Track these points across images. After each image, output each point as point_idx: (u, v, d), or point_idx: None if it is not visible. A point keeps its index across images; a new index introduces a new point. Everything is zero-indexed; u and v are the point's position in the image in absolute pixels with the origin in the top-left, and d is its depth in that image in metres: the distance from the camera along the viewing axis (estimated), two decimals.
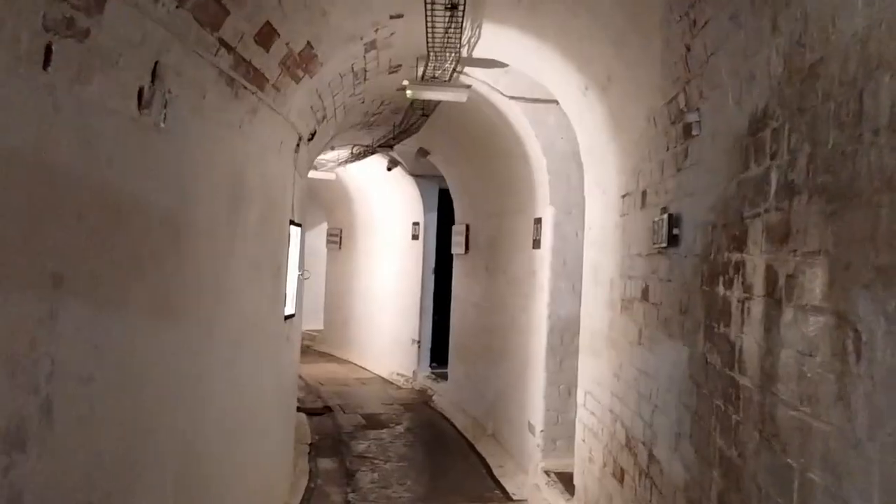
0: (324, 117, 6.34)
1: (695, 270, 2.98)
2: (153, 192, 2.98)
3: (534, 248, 7.17)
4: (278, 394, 5.55)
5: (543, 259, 6.87)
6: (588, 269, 5.38)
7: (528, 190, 7.33)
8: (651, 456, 3.55)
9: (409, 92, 6.00)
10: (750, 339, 2.24)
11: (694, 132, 2.94)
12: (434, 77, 5.89)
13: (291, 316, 5.91)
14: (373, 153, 11.00)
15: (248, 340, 4.42)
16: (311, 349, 15.42)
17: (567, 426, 6.62)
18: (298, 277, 6.02)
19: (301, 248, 7.40)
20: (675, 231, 3.27)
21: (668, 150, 3.52)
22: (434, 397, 10.69)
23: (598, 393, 4.88)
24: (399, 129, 8.70)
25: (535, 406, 6.86)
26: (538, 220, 7.04)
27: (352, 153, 11.40)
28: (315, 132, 6.25)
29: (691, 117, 2.92)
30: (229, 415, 4.08)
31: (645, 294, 3.94)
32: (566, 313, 6.74)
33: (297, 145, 5.72)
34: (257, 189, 4.45)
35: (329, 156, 12.40)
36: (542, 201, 6.92)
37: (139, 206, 2.88)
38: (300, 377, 12.15)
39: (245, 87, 3.89)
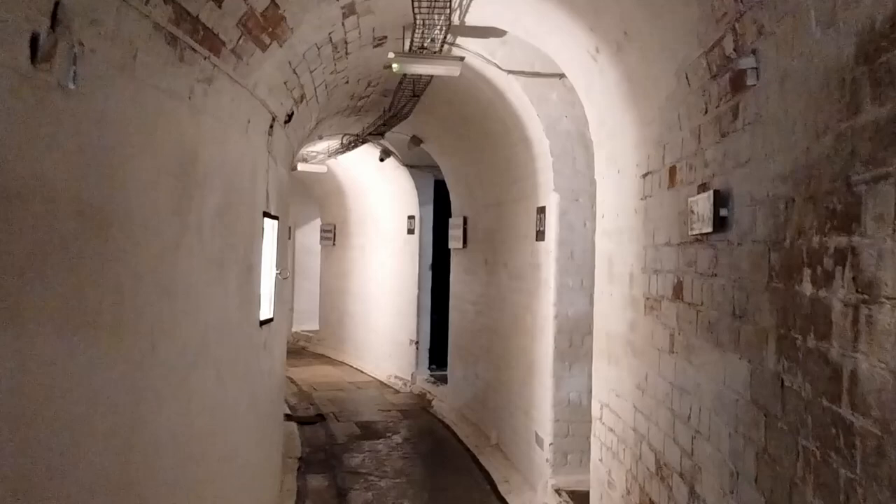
0: (302, 97, 5.67)
1: (756, 262, 2.33)
2: (63, 171, 2.32)
3: (537, 239, 6.51)
4: (254, 410, 4.90)
5: (548, 252, 6.21)
6: (601, 262, 4.72)
7: (530, 176, 6.67)
8: (693, 493, 2.90)
9: (394, 65, 5.33)
10: (872, 363, 1.57)
11: (749, 82, 2.29)
12: (423, 48, 5.23)
13: (269, 320, 5.25)
14: (363, 142, 10.34)
15: (210, 352, 3.77)
16: (306, 351, 14.80)
17: (579, 439, 5.97)
18: (277, 277, 5.36)
19: (284, 244, 6.75)
20: (723, 212, 2.62)
21: (706, 112, 2.86)
22: (433, 402, 10.04)
23: (618, 406, 4.23)
24: (389, 113, 8.04)
25: (543, 416, 6.21)
26: (541, 210, 6.39)
27: (342, 143, 10.74)
28: (293, 113, 5.59)
29: (745, 63, 2.27)
30: (184, 442, 3.43)
31: (678, 292, 3.28)
32: (575, 312, 6.08)
33: (271, 127, 5.06)
34: (216, 174, 3.79)
35: (319, 147, 11.76)
36: (546, 188, 6.26)
37: (41, 190, 2.22)
38: (292, 382, 11.55)
39: (193, 50, 3.23)
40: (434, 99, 7.74)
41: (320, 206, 15.39)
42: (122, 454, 2.76)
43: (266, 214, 5.02)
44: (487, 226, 8.26)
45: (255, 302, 4.80)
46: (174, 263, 3.30)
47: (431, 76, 6.41)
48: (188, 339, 3.46)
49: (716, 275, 2.79)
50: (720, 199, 2.64)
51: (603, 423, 4.56)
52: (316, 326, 15.44)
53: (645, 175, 3.81)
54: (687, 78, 2.99)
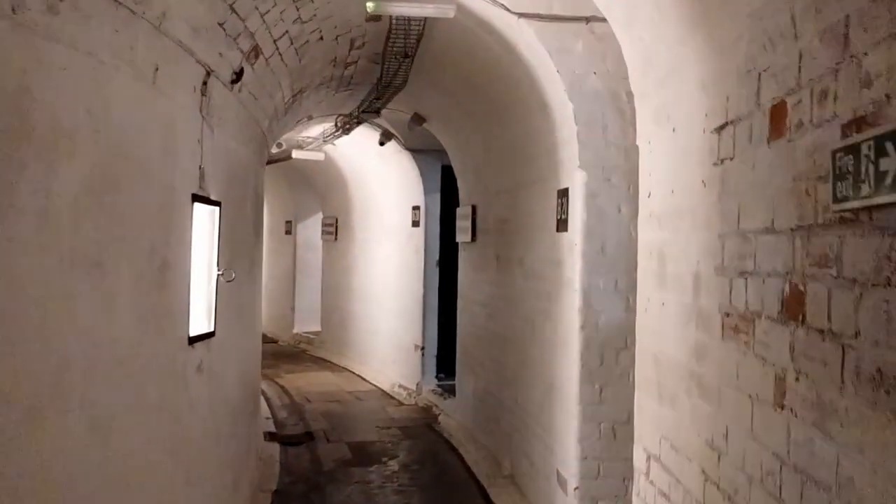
0: (255, 50, 4.43)
1: None
2: None
3: (558, 230, 5.23)
4: (180, 455, 3.68)
5: (572, 245, 4.93)
6: (647, 258, 3.43)
7: (549, 152, 5.38)
8: None
9: (370, 4, 4.07)
10: None
11: None
12: None
13: (209, 335, 4.03)
14: (358, 123, 9.09)
15: (74, 394, 2.54)
16: (306, 354, 13.65)
17: (613, 482, 4.70)
18: (219, 279, 4.13)
19: (246, 237, 5.51)
20: None
21: None
22: (440, 417, 8.79)
23: (674, 463, 2.95)
24: (382, 84, 6.78)
25: (567, 450, 4.93)
26: (563, 193, 5.10)
27: (336, 125, 9.51)
28: (242, 71, 4.35)
29: None
30: None
31: (793, 308, 2.01)
32: (608, 321, 4.80)
33: (205, 84, 3.82)
34: (85, 134, 2.56)
35: (313, 131, 10.55)
36: (569, 165, 4.98)
37: None
38: (284, 391, 10.36)
39: None
40: (432, 64, 6.47)
41: (322, 198, 14.19)
42: None
43: (199, 198, 3.79)
44: (499, 215, 6.99)
45: (180, 312, 3.57)
46: None
47: (422, 26, 5.14)
48: (21, 381, 2.24)
49: (892, 284, 1.51)
50: None
51: (651, 483, 3.28)
52: (318, 327, 14.26)
53: (721, 128, 2.53)
54: None
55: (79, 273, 2.54)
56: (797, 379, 2.01)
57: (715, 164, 2.58)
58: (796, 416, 2.02)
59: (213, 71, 3.85)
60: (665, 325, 3.14)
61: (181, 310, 3.60)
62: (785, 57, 2.05)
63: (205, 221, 4.00)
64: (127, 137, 2.90)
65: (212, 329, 4.08)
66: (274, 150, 11.56)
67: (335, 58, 6.14)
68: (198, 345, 3.87)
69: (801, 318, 1.99)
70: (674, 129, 3.04)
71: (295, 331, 14.81)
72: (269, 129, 6.39)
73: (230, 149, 4.65)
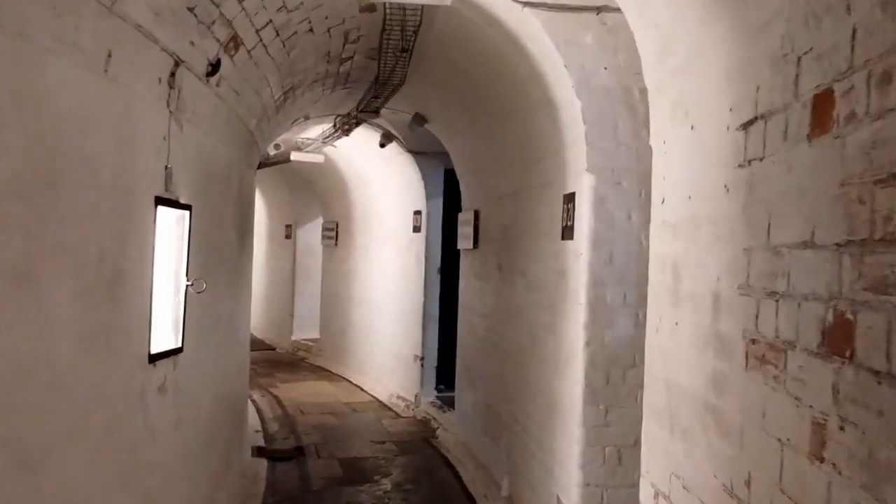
0: (234, 41, 4.09)
1: None
2: None
3: (563, 238, 4.86)
4: (141, 494, 3.32)
5: (578, 255, 4.56)
6: (659, 271, 3.06)
7: (555, 153, 5.02)
8: None
9: None
10: None
11: None
12: None
13: (175, 351, 3.68)
14: (357, 124, 8.76)
15: None
16: (304, 363, 13.30)
17: None
18: (188, 290, 3.78)
19: (227, 247, 5.17)
20: None
21: None
22: (438, 432, 8.42)
23: None
24: (379, 81, 6.44)
25: (568, 475, 4.56)
26: (569, 198, 4.74)
27: (335, 126, 9.18)
28: (219, 63, 4.00)
29: None
30: None
31: (838, 340, 1.64)
32: (615, 338, 4.42)
33: (173, 75, 3.48)
34: (9, 122, 2.22)
35: (311, 133, 10.22)
36: (576, 167, 4.61)
37: None
38: (278, 402, 10.00)
39: None
40: (432, 61, 6.12)
41: (322, 202, 13.86)
42: None
43: (165, 201, 3.44)
44: (502, 221, 6.62)
45: (138, 328, 3.23)
46: None
47: (418, 17, 4.79)
48: None
49: None
50: None
51: None
52: (317, 334, 13.91)
53: (749, 123, 2.16)
54: None
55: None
56: (842, 428, 1.64)
57: (741, 166, 2.21)
58: (840, 473, 1.65)
59: (182, 61, 3.51)
60: (679, 347, 2.76)
61: (139, 325, 3.25)
62: (833, 35, 1.68)
63: (172, 227, 3.66)
64: (69, 131, 2.56)
65: (178, 345, 3.73)
66: (272, 151, 11.25)
67: (328, 53, 5.79)
68: (161, 363, 3.51)
69: (848, 353, 1.61)
70: (692, 127, 2.67)
71: (294, 338, 14.47)
72: (257, 129, 6.05)
73: (206, 148, 4.31)
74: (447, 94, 6.87)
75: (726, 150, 2.33)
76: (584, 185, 4.48)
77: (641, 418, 4.38)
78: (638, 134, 4.40)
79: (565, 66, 4.34)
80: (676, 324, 2.80)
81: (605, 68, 4.37)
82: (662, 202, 3.03)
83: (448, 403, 8.83)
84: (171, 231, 3.65)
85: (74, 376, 2.65)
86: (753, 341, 2.08)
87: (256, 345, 15.26)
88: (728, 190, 2.30)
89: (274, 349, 14.78)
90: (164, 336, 3.57)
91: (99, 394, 2.87)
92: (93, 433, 2.81)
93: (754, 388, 2.07)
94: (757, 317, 2.05)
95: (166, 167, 3.51)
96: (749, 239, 2.13)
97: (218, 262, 4.72)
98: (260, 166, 12.98)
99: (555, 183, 5.08)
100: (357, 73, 6.75)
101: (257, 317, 16.41)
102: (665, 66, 2.92)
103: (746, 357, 2.11)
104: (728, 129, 2.31)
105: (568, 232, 4.78)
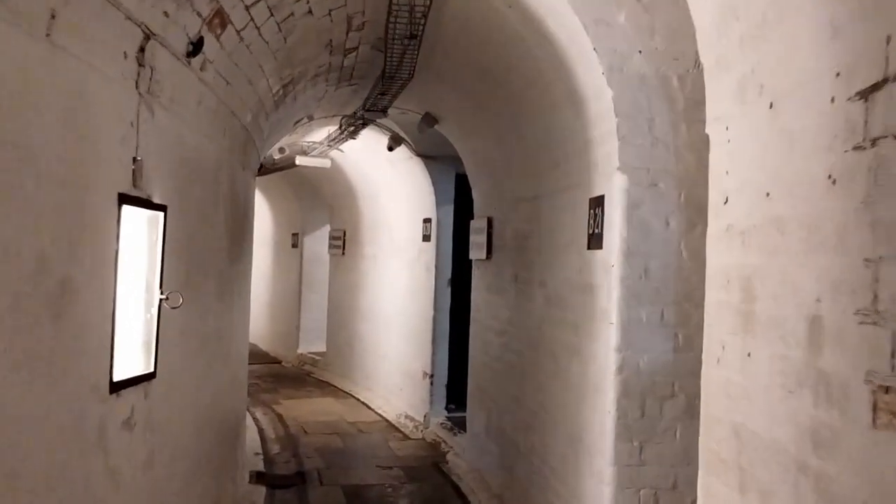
0: (219, 17, 3.57)
1: None
2: None
3: (590, 247, 4.31)
4: None
5: (608, 267, 4.01)
6: (722, 289, 2.50)
7: (580, 152, 4.47)
8: None
9: None
10: None
11: None
12: None
13: (145, 377, 3.14)
14: (364, 124, 8.26)
15: None
16: (309, 378, 12.75)
17: None
18: (161, 305, 3.24)
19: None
20: None
21: None
22: (448, 456, 7.84)
23: None
24: (386, 76, 5.92)
25: None
26: (597, 202, 4.19)
27: (341, 127, 8.68)
28: (201, 42, 3.48)
29: None
30: None
31: None
32: (651, 363, 3.86)
33: (142, 50, 2.96)
34: None
35: (317, 135, 9.72)
36: (605, 167, 4.06)
37: None
38: (280, 421, 9.45)
39: None
40: (443, 53, 5.60)
41: (330, 210, 13.35)
42: None
43: (131, 200, 2.92)
44: (518, 229, 6.07)
45: (95, 349, 2.69)
46: None
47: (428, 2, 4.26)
48: None
49: None
50: None
51: None
52: (324, 347, 13.38)
53: (871, 90, 1.60)
54: None
55: None
56: None
57: (856, 149, 1.66)
58: None
59: (153, 34, 2.98)
60: (753, 385, 2.20)
61: (96, 347, 2.71)
62: None
63: (142, 231, 3.13)
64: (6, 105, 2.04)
65: (150, 369, 3.19)
66: (276, 155, 10.77)
67: (331, 41, 5.28)
68: (127, 392, 2.97)
69: None
70: (771, 105, 2.12)
71: (300, 351, 13.94)
72: (254, 126, 5.54)
73: (189, 141, 3.79)
74: (459, 91, 6.35)
75: (829, 129, 1.77)
76: (614, 187, 3.93)
77: (681, 456, 3.81)
78: (677, 128, 3.85)
79: (594, 50, 3.80)
80: (749, 355, 2.23)
81: (640, 52, 3.82)
82: (725, 203, 2.47)
83: (459, 425, 8.26)
84: (140, 235, 3.12)
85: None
86: (885, 389, 1.51)
87: (261, 358, 14.75)
88: (835, 182, 1.74)
89: (279, 362, 14.26)
90: (132, 360, 3.03)
91: (37, 435, 2.33)
92: (27, 485, 2.27)
93: (887, 455, 1.51)
94: (893, 355, 1.49)
95: (135, 159, 2.98)
96: (874, 246, 1.57)
97: (204, 271, 4.19)
98: (266, 172, 12.55)
99: (580, 185, 4.53)
100: (363, 68, 6.24)
101: (263, 329, 15.90)
102: (730, 35, 2.37)
103: (874, 410, 1.55)
104: (833, 101, 1.76)
105: (595, 241, 4.23)
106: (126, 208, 2.88)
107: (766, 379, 2.13)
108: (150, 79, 3.08)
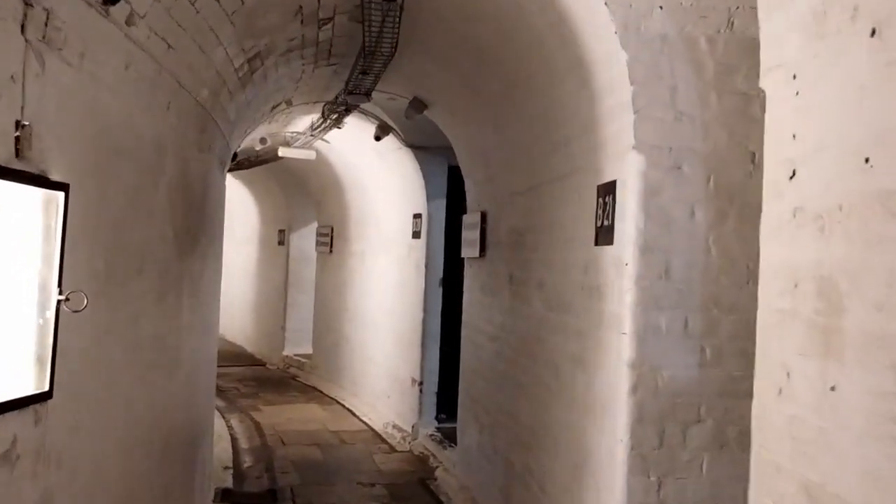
0: None
1: None
2: None
3: (598, 242, 3.66)
4: None
5: (620, 265, 3.35)
6: (785, 294, 1.84)
7: (586, 130, 3.82)
8: None
9: None
10: None
11: None
12: None
13: (35, 399, 2.48)
14: (348, 111, 7.60)
15: None
16: (294, 381, 12.11)
17: None
18: (58, 308, 2.58)
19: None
20: None
21: None
22: (437, 472, 7.20)
23: None
24: (367, 50, 5.26)
25: None
26: (607, 189, 3.53)
27: (323, 115, 8.02)
28: None
29: None
30: None
31: None
32: (673, 381, 3.21)
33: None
34: None
35: (299, 125, 9.07)
36: (617, 147, 3.41)
37: None
38: (258, 429, 8.79)
39: None
40: (429, 25, 4.95)
41: (317, 205, 12.69)
42: None
43: (10, 174, 2.26)
44: (514, 224, 5.42)
45: None
46: None
47: None
48: None
49: None
50: None
51: None
52: (310, 350, 12.72)
53: None
54: None
55: None
56: None
57: None
58: None
59: None
60: (838, 432, 1.55)
61: None
62: None
63: (34, 215, 2.47)
64: None
65: (45, 387, 2.53)
66: (258, 146, 10.12)
67: (301, 8, 4.62)
68: (6, 418, 2.32)
69: None
70: (873, 31, 1.46)
71: (285, 353, 13.27)
72: (215, 106, 4.87)
73: (113, 110, 3.12)
74: (449, 70, 5.69)
75: None
76: (629, 171, 3.28)
77: (708, 495, 3.16)
78: (705, 99, 3.20)
79: (605, 4, 3.15)
80: (832, 388, 1.58)
81: (661, 8, 3.17)
82: (791, 177, 1.81)
83: (449, 437, 7.61)
84: (32, 221, 2.46)
85: None
86: None
87: (245, 360, 14.09)
88: None
89: (264, 365, 13.62)
90: (14, 377, 2.37)
91: None
92: None
93: None
94: None
95: (19, 123, 2.32)
96: None
97: (137, 267, 3.53)
98: (250, 165, 11.88)
99: (585, 171, 3.87)
100: (341, 44, 5.58)
101: (248, 330, 15.24)
102: None
103: None
104: None
105: (605, 235, 3.57)
106: (3, 185, 2.22)
107: (860, 424, 1.48)
108: (46, 24, 2.41)
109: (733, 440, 3.21)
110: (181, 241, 4.40)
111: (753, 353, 3.22)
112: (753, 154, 3.21)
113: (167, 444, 4.31)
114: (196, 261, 4.95)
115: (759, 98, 3.21)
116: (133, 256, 3.46)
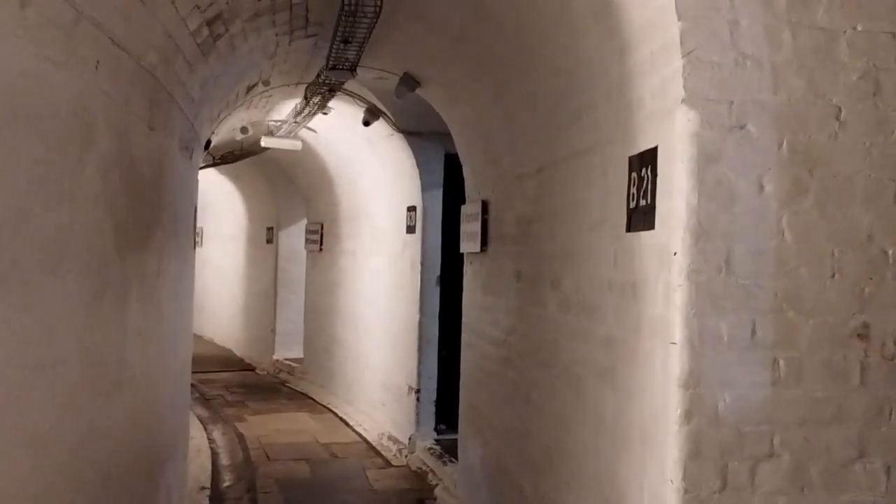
0: None
1: None
2: None
3: (631, 228, 2.93)
4: None
5: (664, 255, 2.63)
6: None
7: (613, 91, 3.09)
8: None
9: None
10: None
11: None
12: None
13: None
14: (332, 92, 6.87)
15: None
16: (284, 387, 11.40)
17: None
18: None
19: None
20: None
21: None
22: (437, 490, 6.47)
23: None
24: (347, 12, 4.53)
25: None
26: (643, 160, 2.81)
27: (306, 98, 7.29)
28: None
29: None
30: None
31: None
32: (738, 403, 2.48)
33: None
34: None
35: (282, 111, 8.33)
36: (657, 104, 2.68)
37: None
38: (240, 441, 8.07)
39: None
40: None
41: (306, 201, 11.96)
42: None
43: None
44: (522, 212, 4.69)
45: None
46: None
47: None
48: None
49: None
50: None
51: None
52: (302, 354, 12.00)
53: None
54: None
55: None
56: None
57: None
58: None
59: None
60: None
61: None
62: None
63: None
64: None
65: None
66: (238, 136, 9.38)
67: None
68: None
69: None
70: None
71: (275, 356, 12.55)
72: (168, 75, 4.13)
73: (4, 57, 2.38)
74: (443, 34, 4.96)
75: None
76: (677, 132, 2.55)
77: None
78: (776, 38, 2.47)
79: None
80: None
81: None
82: None
83: (449, 451, 6.89)
84: None
85: None
86: None
87: (234, 365, 13.36)
88: None
89: (254, 369, 12.90)
90: None
91: None
92: None
93: None
94: None
95: None
96: None
97: (50, 264, 2.79)
98: (235, 159, 11.13)
99: (613, 141, 3.15)
100: (318, 9, 4.86)
101: (237, 333, 14.51)
102: None
103: None
104: None
105: (641, 218, 2.84)
106: None
107: None
108: None
109: (817, 480, 2.48)
110: (125, 233, 3.66)
111: (841, 368, 2.50)
112: (839, 109, 2.48)
113: (108, 478, 3.57)
114: (150, 258, 4.21)
115: (846, 36, 2.49)
116: (44, 250, 2.72)
